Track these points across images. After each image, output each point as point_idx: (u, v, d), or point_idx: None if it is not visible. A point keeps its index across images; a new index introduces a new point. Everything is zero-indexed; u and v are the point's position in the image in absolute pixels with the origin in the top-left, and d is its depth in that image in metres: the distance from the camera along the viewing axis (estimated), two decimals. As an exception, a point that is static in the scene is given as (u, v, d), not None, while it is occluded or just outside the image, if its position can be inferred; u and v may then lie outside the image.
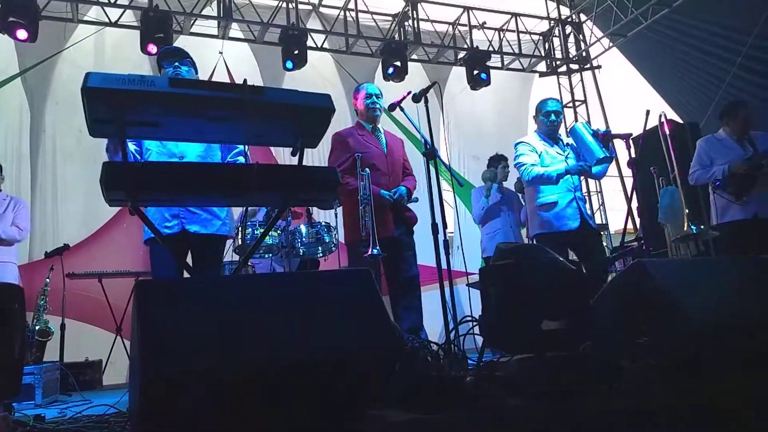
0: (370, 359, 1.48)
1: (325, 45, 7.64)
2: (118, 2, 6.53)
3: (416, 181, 3.78)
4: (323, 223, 4.98)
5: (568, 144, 3.90)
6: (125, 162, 2.16)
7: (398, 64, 7.33)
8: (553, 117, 3.88)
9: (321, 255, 5.09)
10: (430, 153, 2.80)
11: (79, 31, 6.72)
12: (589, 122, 8.10)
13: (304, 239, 4.93)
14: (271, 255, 5.17)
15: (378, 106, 3.67)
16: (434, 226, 2.69)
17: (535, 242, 3.82)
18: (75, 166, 6.40)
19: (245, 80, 2.39)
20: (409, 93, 3.13)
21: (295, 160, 2.34)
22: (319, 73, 7.54)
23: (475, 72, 7.82)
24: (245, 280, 1.83)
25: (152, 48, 6.20)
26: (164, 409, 1.31)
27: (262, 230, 4.85)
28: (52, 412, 2.74)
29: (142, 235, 6.56)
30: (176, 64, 2.75)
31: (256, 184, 2.24)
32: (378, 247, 2.94)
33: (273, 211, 5.02)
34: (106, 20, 6.66)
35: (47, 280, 5.12)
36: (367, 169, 3.16)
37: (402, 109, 3.24)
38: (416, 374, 1.52)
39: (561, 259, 2.02)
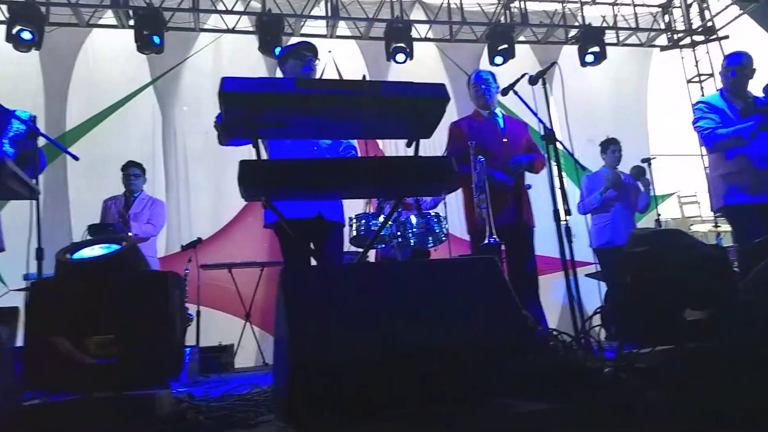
0: (501, 347, 1.48)
1: (429, 35, 7.65)
2: (234, 9, 6.95)
3: (544, 158, 3.62)
4: (433, 213, 5.00)
5: (761, 102, 3.29)
6: (259, 160, 2.32)
7: (505, 47, 7.17)
8: (731, 73, 3.49)
9: (431, 245, 5.12)
10: (550, 137, 2.72)
11: (200, 40, 7.24)
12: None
13: (414, 229, 4.99)
14: (383, 245, 5.28)
15: (487, 92, 3.61)
16: (556, 213, 2.61)
17: (722, 215, 3.32)
18: (202, 166, 6.93)
19: (364, 76, 2.48)
20: (523, 75, 3.06)
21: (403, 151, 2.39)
22: (422, 64, 7.56)
23: (589, 50, 7.46)
24: (381, 267, 1.90)
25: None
26: (312, 391, 1.39)
27: (374, 221, 4.99)
28: (198, 391, 3.00)
29: (265, 229, 6.86)
30: (309, 60, 2.88)
31: (373, 176, 2.32)
32: (495, 236, 2.92)
33: (384, 201, 5.15)
34: (224, 27, 7.12)
35: (186, 270, 5.59)
36: (481, 157, 3.13)
37: (516, 93, 3.17)
38: (549, 363, 1.50)
39: (704, 243, 1.89)
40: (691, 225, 7.70)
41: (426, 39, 7.57)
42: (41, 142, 3.12)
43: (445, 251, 5.18)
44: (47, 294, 1.46)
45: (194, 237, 5.96)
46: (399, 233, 4.94)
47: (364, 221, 4.99)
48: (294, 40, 7.16)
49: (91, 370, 1.40)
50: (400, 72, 7.16)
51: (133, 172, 5.18)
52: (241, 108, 2.20)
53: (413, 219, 4.92)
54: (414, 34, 7.30)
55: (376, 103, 2.26)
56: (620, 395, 1.46)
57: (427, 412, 1.46)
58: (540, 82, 2.86)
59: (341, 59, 7.48)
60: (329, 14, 7.08)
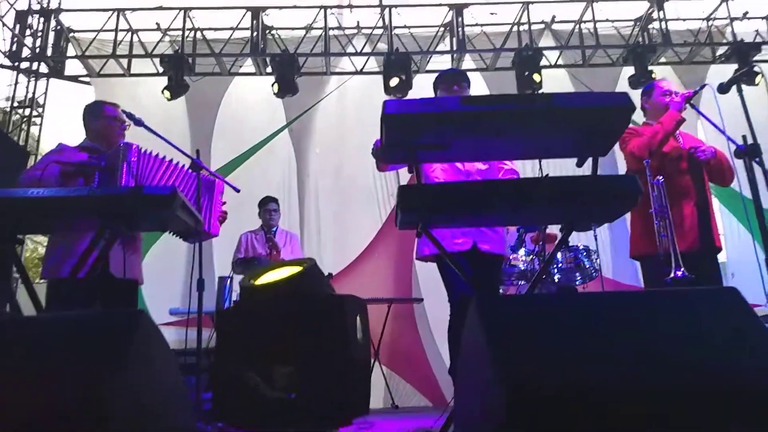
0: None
1: (560, 61, 7.34)
2: (363, 51, 7.12)
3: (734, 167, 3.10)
4: (581, 247, 4.61)
5: None
6: (419, 185, 2.18)
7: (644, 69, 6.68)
8: None
9: (579, 282, 4.71)
10: (752, 151, 2.33)
11: (331, 83, 7.47)
12: None
13: (560, 264, 4.62)
14: (523, 282, 4.95)
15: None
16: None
17: None
18: (331, 205, 7.07)
19: (534, 89, 2.27)
20: (703, 86, 2.70)
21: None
22: (551, 90, 7.23)
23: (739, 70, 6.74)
24: (588, 298, 1.65)
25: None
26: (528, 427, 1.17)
27: (514, 255, 4.69)
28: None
29: (392, 265, 6.73)
30: (456, 88, 2.76)
31: (548, 199, 2.09)
32: (683, 268, 2.52)
33: (525, 232, 4.83)
34: (353, 69, 7.30)
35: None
36: (660, 178, 2.76)
37: (693, 106, 2.81)
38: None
39: None
40: None
41: (557, 66, 7.26)
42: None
43: (596, 289, 4.73)
44: (232, 323, 1.38)
45: (325, 273, 5.98)
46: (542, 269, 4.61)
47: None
48: (420, 76, 7.19)
49: (276, 405, 1.28)
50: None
51: (272, 207, 5.31)
52: (403, 130, 2.08)
53: (558, 253, 4.56)
54: (543, 62, 7.03)
55: (550, 117, 2.04)
56: None
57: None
58: (734, 88, 2.49)
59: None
60: (455, 48, 7.02)
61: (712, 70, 7.24)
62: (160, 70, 6.75)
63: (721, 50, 7.15)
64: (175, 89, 6.54)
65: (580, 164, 2.27)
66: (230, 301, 5.05)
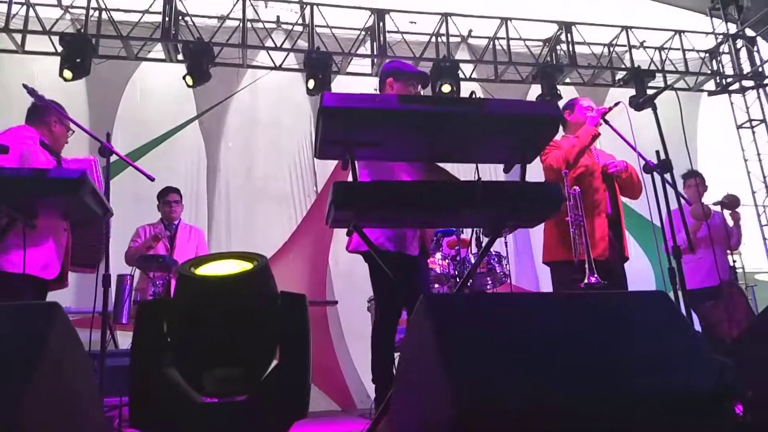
0: (701, 397, 1.22)
1: (474, 75, 7.58)
2: (282, 46, 6.95)
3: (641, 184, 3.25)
4: (493, 252, 4.75)
5: None
6: (355, 182, 2.13)
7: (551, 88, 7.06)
8: None
9: (490, 287, 4.85)
10: (664, 166, 2.50)
11: (247, 77, 7.22)
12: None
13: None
14: (437, 285, 5.02)
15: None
16: (675, 249, 2.36)
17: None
18: (243, 203, 6.81)
19: (473, 93, 2.30)
20: (617, 103, 2.88)
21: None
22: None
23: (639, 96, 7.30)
24: (533, 300, 1.66)
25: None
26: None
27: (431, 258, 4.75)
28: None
29: (306, 267, 6.57)
30: (413, 90, 2.70)
31: (482, 202, 2.11)
32: (596, 275, 2.66)
33: (443, 236, 4.91)
34: (271, 64, 7.11)
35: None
36: (577, 188, 2.90)
37: (606, 122, 2.98)
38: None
39: None
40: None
41: (471, 79, 7.49)
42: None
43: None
44: (159, 316, 1.25)
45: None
46: (456, 273, 4.69)
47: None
48: (340, 78, 7.13)
49: (208, 411, 1.17)
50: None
51: (173, 198, 4.97)
52: (341, 126, 2.03)
53: (472, 258, 4.67)
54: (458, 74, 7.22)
55: (484, 122, 2.08)
56: None
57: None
58: (651, 107, 2.66)
59: (384, 98, 7.38)
60: (376, 53, 7.04)
61: (611, 94, 7.79)
62: (59, 49, 6.20)
63: (620, 75, 7.70)
64: (76, 70, 6.03)
65: (507, 170, 2.33)
66: (130, 300, 4.71)
